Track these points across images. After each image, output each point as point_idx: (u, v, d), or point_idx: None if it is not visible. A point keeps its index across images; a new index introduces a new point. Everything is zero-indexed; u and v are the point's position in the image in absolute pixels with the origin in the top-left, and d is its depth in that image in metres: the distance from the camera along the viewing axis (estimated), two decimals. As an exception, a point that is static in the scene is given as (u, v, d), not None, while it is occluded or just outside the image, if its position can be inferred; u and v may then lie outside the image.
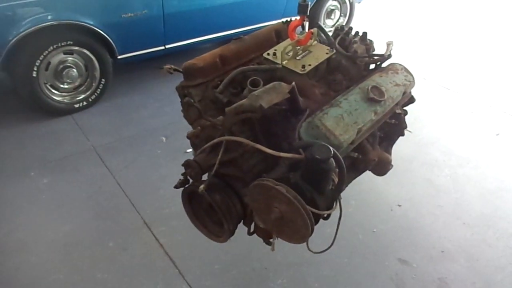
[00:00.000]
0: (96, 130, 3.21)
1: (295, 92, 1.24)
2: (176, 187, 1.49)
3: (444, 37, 5.23)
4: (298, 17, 1.54)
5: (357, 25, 4.65)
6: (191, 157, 1.45)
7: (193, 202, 1.54)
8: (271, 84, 1.24)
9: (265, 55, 1.51)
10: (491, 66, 4.53)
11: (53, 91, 3.28)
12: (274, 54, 1.50)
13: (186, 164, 1.37)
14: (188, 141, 1.55)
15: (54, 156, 2.92)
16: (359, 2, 4.90)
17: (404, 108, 1.61)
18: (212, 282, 2.12)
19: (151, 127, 3.26)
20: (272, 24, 1.70)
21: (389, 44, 1.58)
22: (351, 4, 4.72)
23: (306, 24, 1.54)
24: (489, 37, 5.30)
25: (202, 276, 2.15)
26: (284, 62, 1.46)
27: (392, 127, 1.60)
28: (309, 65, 1.46)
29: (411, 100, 1.61)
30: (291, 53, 1.48)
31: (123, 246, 2.29)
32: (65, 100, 3.34)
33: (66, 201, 2.56)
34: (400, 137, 1.73)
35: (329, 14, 4.66)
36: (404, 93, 1.48)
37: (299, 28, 1.59)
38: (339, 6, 4.70)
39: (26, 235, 2.32)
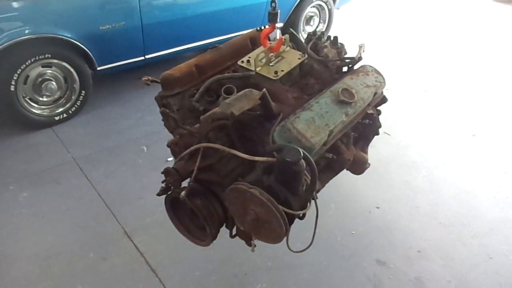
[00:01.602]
0: (77, 142, 3.20)
1: (266, 98, 1.29)
2: (158, 194, 1.52)
3: (421, 41, 5.38)
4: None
5: (336, 31, 4.78)
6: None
7: (176, 208, 1.57)
8: (242, 92, 1.28)
9: (239, 62, 1.56)
10: (467, 69, 4.67)
11: (33, 104, 3.26)
12: (248, 61, 1.55)
13: (166, 172, 1.40)
14: (169, 149, 1.58)
15: (34, 169, 2.90)
16: (337, 8, 5.01)
17: (378, 108, 1.67)
18: (193, 289, 2.14)
19: (132, 137, 3.27)
20: (247, 32, 1.75)
21: (360, 47, 1.64)
22: (330, 11, 4.82)
23: (277, 31, 1.59)
24: (465, 40, 5.47)
25: (182, 283, 2.16)
26: (257, 69, 1.51)
27: (366, 127, 1.66)
28: (282, 70, 1.51)
29: (383, 100, 1.67)
30: (264, 60, 1.53)
31: (103, 256, 2.29)
32: (45, 113, 3.33)
33: (46, 213, 2.54)
34: (379, 140, 1.79)
35: (308, 20, 4.75)
36: (375, 93, 1.54)
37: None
38: (318, 12, 4.80)
39: (6, 248, 2.30)
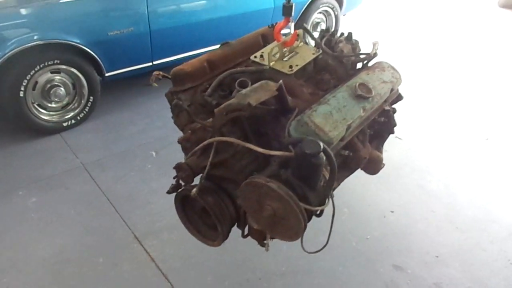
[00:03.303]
0: (85, 147, 3.18)
1: (283, 90, 1.25)
2: (168, 192, 1.48)
3: (429, 46, 5.35)
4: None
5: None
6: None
7: (186, 207, 1.52)
8: (258, 83, 1.25)
9: (252, 57, 1.53)
10: (478, 72, 4.63)
11: (41, 110, 3.25)
12: (261, 56, 1.52)
13: (178, 167, 1.36)
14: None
15: (43, 174, 2.88)
16: (344, 15, 5.00)
17: (393, 106, 1.62)
18: (205, 295, 2.08)
19: (141, 142, 3.24)
20: (258, 29, 1.72)
21: (374, 44, 1.61)
22: (336, 17, 4.81)
23: (292, 25, 1.56)
24: (472, 45, 5.42)
25: (195, 288, 2.11)
26: (271, 64, 1.47)
27: (381, 125, 1.62)
28: (296, 65, 1.47)
29: (399, 97, 1.63)
30: (277, 55, 1.50)
31: (114, 262, 2.24)
32: (54, 119, 3.31)
33: (55, 219, 2.51)
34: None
35: (315, 26, 4.74)
36: (392, 90, 1.50)
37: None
38: (324, 18, 4.79)
39: (15, 254, 2.26)
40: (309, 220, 1.17)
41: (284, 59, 1.50)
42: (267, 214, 1.14)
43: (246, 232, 1.47)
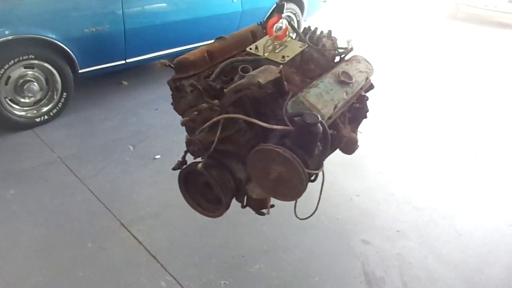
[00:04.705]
0: (61, 142, 3.21)
1: (282, 74, 1.46)
2: (174, 168, 1.63)
3: (386, 51, 5.80)
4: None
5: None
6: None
7: (188, 183, 1.68)
8: (262, 67, 1.45)
9: (248, 49, 1.73)
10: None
11: (14, 105, 3.25)
12: (256, 48, 1.72)
13: (189, 141, 1.52)
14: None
15: (19, 168, 2.89)
16: (305, 20, 5.33)
17: (366, 94, 1.88)
18: (195, 271, 2.22)
19: (117, 137, 3.32)
20: (249, 26, 1.93)
21: (349, 41, 1.87)
22: (298, 22, 5.13)
23: (283, 21, 1.78)
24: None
25: (184, 267, 2.24)
26: (266, 54, 1.68)
27: (357, 110, 1.87)
28: (287, 56, 1.70)
29: (371, 86, 1.89)
30: (270, 47, 1.71)
31: (102, 246, 2.32)
32: (26, 114, 3.32)
33: (37, 209, 2.54)
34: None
35: (278, 31, 5.01)
36: (367, 78, 1.75)
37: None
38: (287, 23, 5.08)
39: None
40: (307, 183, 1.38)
41: (276, 51, 1.72)
42: (273, 177, 1.34)
43: (245, 203, 1.66)
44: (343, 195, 2.88)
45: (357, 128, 1.96)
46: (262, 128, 1.42)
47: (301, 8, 5.09)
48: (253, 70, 1.52)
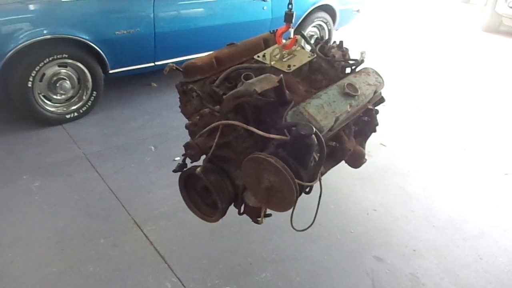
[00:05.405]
0: (87, 139, 3.34)
1: (282, 83, 1.44)
2: (174, 171, 1.64)
3: (415, 63, 5.63)
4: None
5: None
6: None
7: (188, 186, 1.70)
8: (262, 75, 1.44)
9: (255, 57, 1.72)
10: (458, 88, 4.92)
11: (46, 101, 3.42)
12: (264, 56, 1.71)
13: (187, 145, 1.53)
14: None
15: (46, 161, 3.03)
16: (336, 30, 5.26)
17: (376, 107, 1.82)
18: (201, 275, 2.23)
19: (140, 137, 3.41)
20: (261, 34, 1.92)
21: (362, 53, 1.82)
22: (329, 31, 5.07)
23: (291, 30, 1.77)
24: (455, 65, 5.73)
25: (190, 270, 2.26)
26: (272, 63, 1.67)
27: (365, 123, 1.81)
28: (294, 65, 1.67)
29: (381, 100, 1.83)
30: (278, 56, 1.70)
31: (114, 243, 2.39)
32: (58, 111, 3.48)
33: (58, 202, 2.66)
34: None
35: (309, 39, 4.99)
36: (375, 92, 1.70)
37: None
38: (318, 32, 5.05)
39: (20, 231, 2.40)
40: (300, 194, 1.35)
41: (284, 60, 1.70)
42: (265, 186, 1.32)
43: (242, 210, 1.65)
44: (359, 208, 2.80)
45: (365, 142, 1.89)
46: (261, 137, 1.41)
47: (333, 17, 5.03)
48: (255, 77, 1.52)
